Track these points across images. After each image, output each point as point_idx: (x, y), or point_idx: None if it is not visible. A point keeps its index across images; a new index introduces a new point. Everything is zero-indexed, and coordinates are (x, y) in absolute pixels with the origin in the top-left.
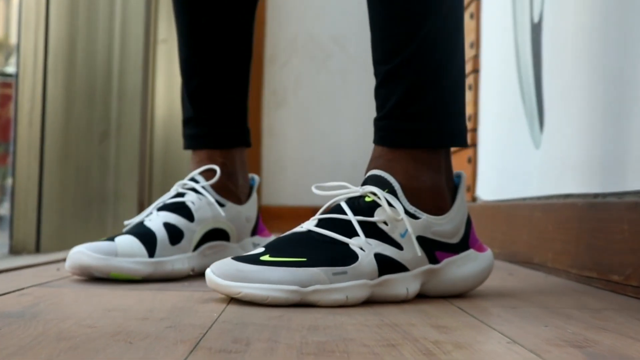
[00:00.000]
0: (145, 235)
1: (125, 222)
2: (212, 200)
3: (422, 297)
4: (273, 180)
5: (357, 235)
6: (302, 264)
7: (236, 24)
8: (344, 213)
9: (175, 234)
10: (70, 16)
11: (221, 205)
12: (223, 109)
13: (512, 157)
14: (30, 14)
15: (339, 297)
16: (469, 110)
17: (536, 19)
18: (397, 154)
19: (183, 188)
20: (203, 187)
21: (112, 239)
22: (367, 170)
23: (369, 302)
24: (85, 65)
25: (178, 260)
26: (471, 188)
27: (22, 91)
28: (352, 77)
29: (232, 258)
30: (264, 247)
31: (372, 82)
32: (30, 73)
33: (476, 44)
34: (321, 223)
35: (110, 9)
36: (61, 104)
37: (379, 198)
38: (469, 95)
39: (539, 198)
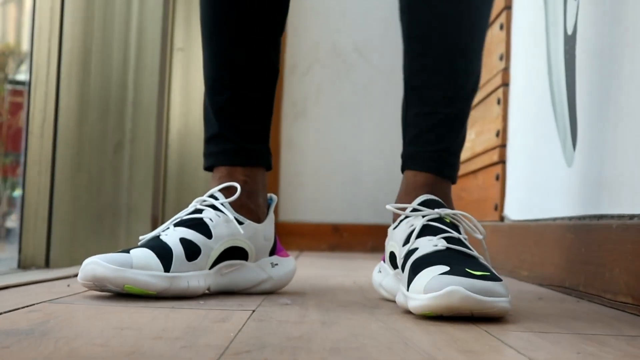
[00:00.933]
0: (161, 249)
1: (140, 237)
2: (231, 217)
3: (446, 319)
4: (291, 196)
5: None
6: None
7: (267, 36)
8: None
9: (191, 250)
10: (85, 23)
11: (240, 223)
12: (250, 126)
13: (542, 174)
14: (44, 20)
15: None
16: (498, 125)
17: (570, 30)
18: (444, 185)
19: (201, 204)
20: (222, 205)
21: (127, 251)
22: (417, 192)
23: (394, 324)
24: (100, 74)
25: (194, 277)
26: (499, 207)
27: (34, 100)
28: (375, 89)
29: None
30: None
31: (395, 94)
32: (43, 81)
33: (506, 56)
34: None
35: (127, 16)
36: (74, 114)
37: (457, 221)
38: (496, 111)
39: (570, 218)
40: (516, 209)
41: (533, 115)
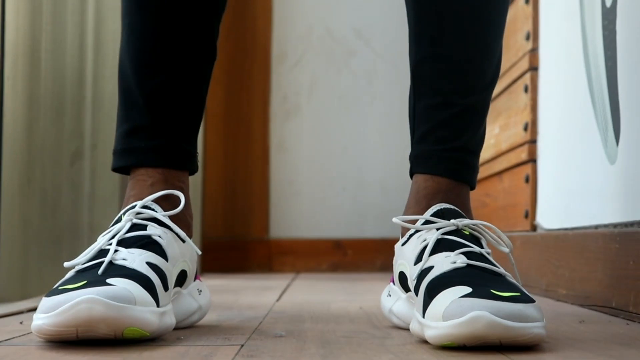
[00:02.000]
0: (141, 279)
1: (67, 264)
2: (182, 234)
3: (470, 350)
4: (284, 208)
5: None
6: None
7: (206, 9)
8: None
9: (162, 278)
10: (33, 10)
11: (183, 240)
12: (184, 119)
13: (580, 174)
14: None
15: None
16: (526, 117)
17: (609, 2)
18: (461, 190)
19: (138, 217)
20: (163, 217)
21: (100, 282)
22: (429, 201)
23: (404, 356)
24: (52, 70)
25: (171, 310)
26: (530, 214)
27: None
28: (379, 79)
29: None
30: None
31: (403, 84)
32: None
33: (533, 36)
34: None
35: (82, 2)
36: (22, 118)
37: (479, 232)
38: (524, 100)
39: (615, 225)
40: (551, 216)
41: (567, 105)
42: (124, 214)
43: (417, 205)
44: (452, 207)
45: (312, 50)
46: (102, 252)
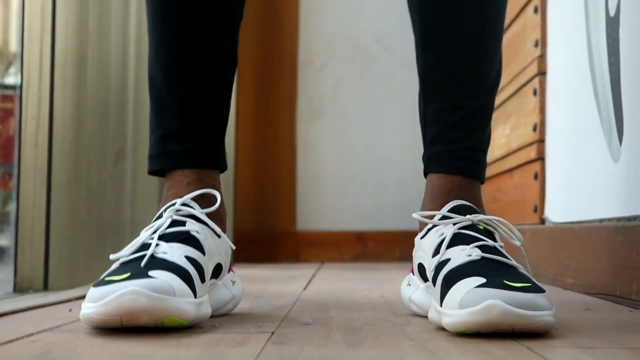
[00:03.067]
0: (179, 271)
1: (112, 257)
2: (218, 230)
3: (484, 336)
4: (310, 202)
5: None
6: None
7: (228, 22)
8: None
9: (199, 270)
10: (80, 21)
11: (218, 236)
12: (213, 122)
13: (586, 172)
14: (35, 19)
15: None
16: (535, 119)
17: (612, 12)
18: (473, 187)
19: (178, 214)
20: (201, 215)
21: (142, 274)
22: (445, 198)
23: (422, 342)
24: (97, 75)
25: (207, 301)
26: (538, 209)
27: (26, 106)
28: (398, 83)
29: None
30: None
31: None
32: (36, 85)
33: (542, 43)
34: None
35: (125, 12)
36: (71, 120)
37: (492, 227)
38: (533, 102)
39: (619, 219)
40: (558, 210)
41: (574, 107)
42: (165, 210)
43: (433, 202)
44: (467, 203)
45: (336, 56)
46: (145, 246)
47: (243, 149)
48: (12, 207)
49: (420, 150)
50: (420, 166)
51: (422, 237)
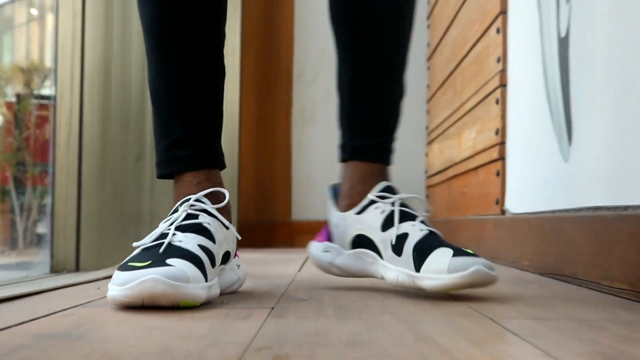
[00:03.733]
0: (193, 259)
1: (135, 244)
2: (227, 222)
3: (454, 307)
4: (303, 196)
5: None
6: None
7: (214, 40)
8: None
9: (210, 257)
10: (105, 40)
11: (227, 227)
12: (212, 127)
13: (540, 170)
14: (66, 38)
15: None
16: (497, 124)
17: (563, 33)
18: (389, 170)
19: (192, 209)
20: (212, 209)
21: (160, 262)
22: (374, 180)
23: (403, 314)
24: (120, 88)
25: (217, 284)
26: (500, 201)
27: (59, 114)
28: None
29: None
30: None
31: (411, 94)
32: (68, 96)
33: (503, 59)
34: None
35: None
36: (97, 127)
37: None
38: (495, 111)
39: (568, 211)
40: (516, 203)
41: (530, 114)
42: (180, 205)
43: (364, 184)
44: (393, 185)
45: (325, 70)
46: (163, 235)
47: (245, 151)
48: (48, 200)
49: (402, 153)
50: (400, 163)
51: (358, 213)
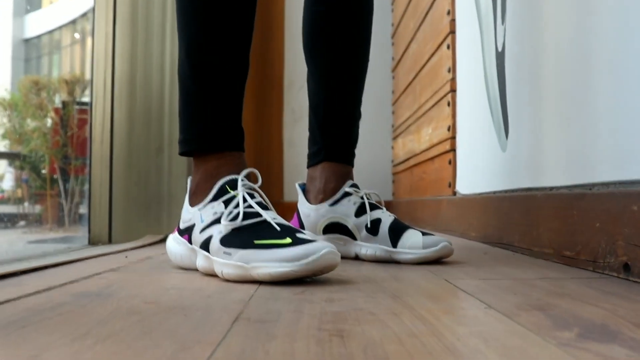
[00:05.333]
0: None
1: (225, 222)
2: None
3: (417, 272)
4: (292, 181)
5: None
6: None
7: (244, 31)
8: (382, 207)
9: None
10: (131, 57)
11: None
12: (239, 111)
13: (484, 159)
14: (100, 57)
15: None
16: (449, 122)
17: (500, 48)
18: (352, 170)
19: (250, 190)
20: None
21: (301, 238)
22: (343, 179)
23: (374, 278)
24: (143, 95)
25: None
26: (452, 185)
27: (95, 117)
28: None
29: None
30: None
31: (369, 101)
32: (101, 102)
33: (453, 69)
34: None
35: (162, 50)
36: (125, 126)
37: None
38: (447, 111)
39: (506, 191)
40: (465, 185)
41: (475, 114)
42: (228, 185)
43: (336, 182)
44: (355, 182)
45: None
46: (254, 214)
47: (246, 145)
48: (86, 186)
49: (372, 148)
50: (371, 160)
51: (332, 204)
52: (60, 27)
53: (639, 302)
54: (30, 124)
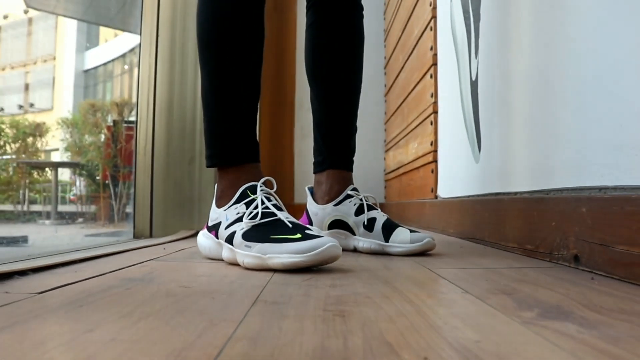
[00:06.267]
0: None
1: (247, 220)
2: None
3: (405, 262)
4: (302, 186)
5: None
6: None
7: (256, 60)
8: (377, 208)
9: None
10: (169, 84)
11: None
12: (254, 128)
13: (460, 169)
14: (144, 83)
15: None
16: (431, 138)
17: (474, 78)
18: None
19: (264, 194)
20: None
21: (309, 234)
22: (346, 183)
23: (370, 267)
24: (179, 114)
25: None
26: (434, 190)
27: (139, 132)
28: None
29: None
30: None
31: (366, 121)
32: (144, 120)
33: (435, 95)
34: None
35: (195, 76)
36: (164, 140)
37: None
38: (430, 129)
39: (478, 196)
40: (445, 191)
41: (453, 131)
42: (250, 190)
43: (339, 186)
44: (356, 187)
45: None
46: (270, 214)
47: (262, 157)
48: (132, 190)
49: (366, 155)
50: (367, 165)
51: (336, 205)
52: (113, 60)
53: (587, 287)
54: (88, 139)
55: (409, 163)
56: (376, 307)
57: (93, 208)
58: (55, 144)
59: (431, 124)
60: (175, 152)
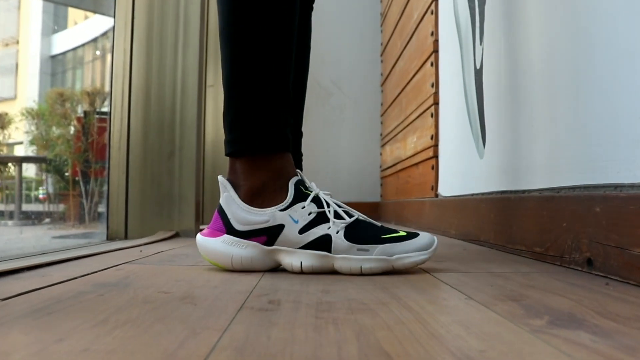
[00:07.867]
0: None
1: (343, 223)
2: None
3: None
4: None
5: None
6: None
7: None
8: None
9: None
10: (146, 72)
11: None
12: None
13: (463, 164)
14: (119, 71)
15: None
16: (432, 131)
17: (478, 66)
18: None
19: (303, 187)
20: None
21: (413, 233)
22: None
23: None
24: (157, 105)
25: None
26: (434, 188)
27: (113, 125)
28: (346, 110)
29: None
30: None
31: (359, 113)
32: (119, 112)
33: (436, 84)
34: None
35: (174, 65)
36: (140, 133)
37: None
38: (430, 122)
39: (483, 194)
40: (446, 189)
41: (455, 124)
42: (304, 187)
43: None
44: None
45: (307, 92)
46: (347, 214)
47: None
48: (105, 187)
49: (361, 152)
50: (362, 162)
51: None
52: (83, 45)
53: (601, 293)
54: (56, 131)
55: (407, 159)
56: (372, 314)
57: (61, 207)
58: (19, 137)
59: (431, 116)
60: (153, 146)
